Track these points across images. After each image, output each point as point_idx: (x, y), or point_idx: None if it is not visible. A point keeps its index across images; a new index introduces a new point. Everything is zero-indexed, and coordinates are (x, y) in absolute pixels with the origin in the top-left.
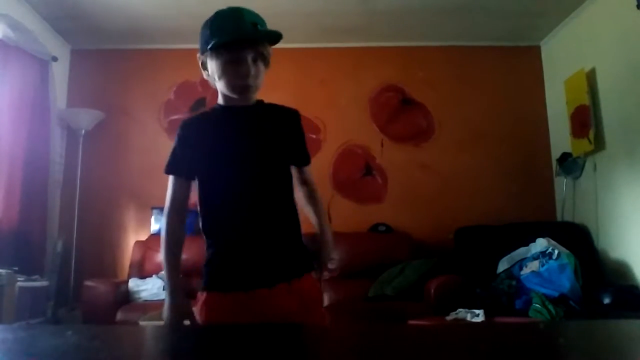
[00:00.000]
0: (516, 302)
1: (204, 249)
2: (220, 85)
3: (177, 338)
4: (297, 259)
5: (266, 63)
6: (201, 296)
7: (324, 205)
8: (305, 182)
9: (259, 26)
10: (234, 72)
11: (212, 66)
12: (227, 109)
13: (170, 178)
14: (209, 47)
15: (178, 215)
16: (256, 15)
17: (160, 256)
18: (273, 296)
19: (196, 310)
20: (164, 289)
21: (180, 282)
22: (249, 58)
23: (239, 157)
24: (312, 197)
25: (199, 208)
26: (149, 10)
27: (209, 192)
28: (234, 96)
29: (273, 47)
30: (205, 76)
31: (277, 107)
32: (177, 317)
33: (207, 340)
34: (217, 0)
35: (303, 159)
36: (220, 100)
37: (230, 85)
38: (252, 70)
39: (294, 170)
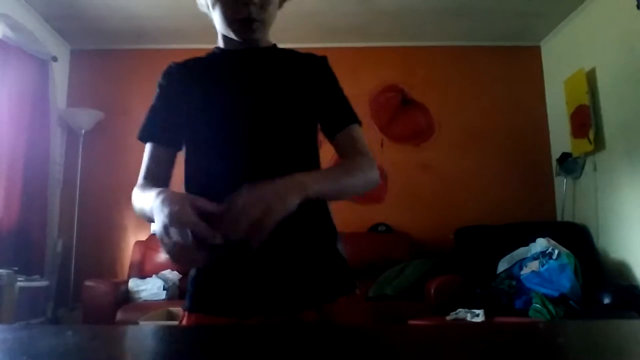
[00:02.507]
0: (516, 302)
1: None
2: (215, 19)
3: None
4: (330, 274)
5: None
6: (188, 318)
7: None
8: (346, 155)
9: None
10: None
11: None
12: (227, 53)
13: (147, 146)
14: None
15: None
16: None
17: (136, 208)
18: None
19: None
20: (164, 289)
21: None
22: None
23: (239, 118)
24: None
25: (184, 189)
26: (149, 10)
27: (195, 169)
28: (234, 36)
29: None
30: (198, 6)
31: (297, 53)
32: (178, 201)
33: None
34: None
35: (339, 120)
36: (219, 42)
37: (227, 18)
38: None
39: (331, 142)
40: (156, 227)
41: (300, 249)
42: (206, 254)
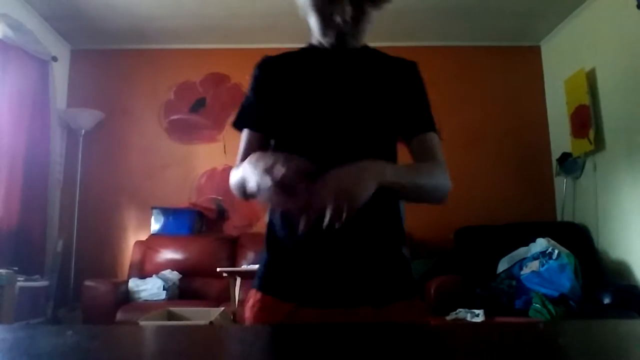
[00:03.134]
0: (516, 302)
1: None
2: (310, 24)
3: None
4: (394, 277)
5: (376, 2)
6: (255, 295)
7: None
8: (421, 159)
9: None
10: (323, 10)
11: None
12: (320, 52)
13: (243, 133)
14: None
15: None
16: None
17: (233, 183)
18: (350, 319)
19: (247, 309)
20: (164, 289)
21: None
22: None
23: (327, 114)
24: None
25: None
26: (149, 10)
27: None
28: (325, 43)
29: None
30: (299, 4)
31: (388, 57)
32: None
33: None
34: (217, 1)
35: (419, 125)
36: (313, 39)
37: (320, 28)
38: (350, 11)
39: (408, 146)
40: (255, 171)
41: (368, 248)
42: (293, 199)
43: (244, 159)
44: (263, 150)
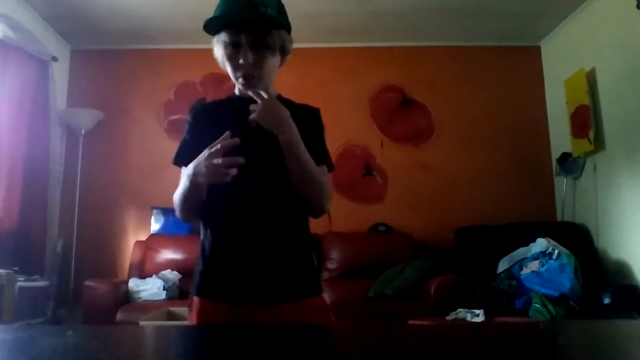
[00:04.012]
0: (516, 302)
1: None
2: (228, 72)
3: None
4: (306, 278)
5: (273, 51)
6: (195, 301)
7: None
8: None
9: (262, 8)
10: (232, 58)
11: (216, 50)
12: (240, 100)
13: (182, 169)
14: (203, 26)
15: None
16: None
17: (177, 201)
18: (277, 315)
19: (190, 315)
20: (164, 289)
21: None
22: (246, 43)
23: (245, 154)
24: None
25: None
26: (149, 11)
27: (212, 190)
28: (239, 87)
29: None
30: (217, 59)
31: (295, 105)
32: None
33: (208, 339)
34: (217, 1)
35: (315, 160)
36: (236, 89)
37: (232, 74)
38: (250, 58)
39: None
40: (197, 170)
41: (288, 256)
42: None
43: None
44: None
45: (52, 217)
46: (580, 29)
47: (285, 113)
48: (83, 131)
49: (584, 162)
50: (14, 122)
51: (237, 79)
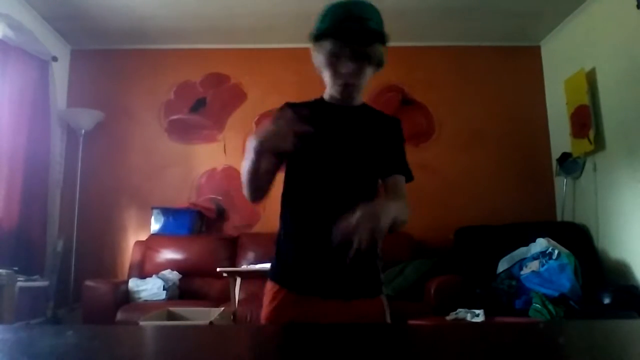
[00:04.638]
0: (516, 302)
1: (278, 229)
2: (324, 78)
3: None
4: (372, 279)
5: (372, 62)
6: (272, 287)
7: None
8: (390, 194)
9: (367, 21)
10: (333, 67)
11: (316, 57)
12: (330, 106)
13: (247, 145)
14: (309, 34)
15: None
16: (369, 10)
17: (244, 173)
18: (349, 309)
19: (265, 300)
20: (164, 289)
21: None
22: (348, 54)
23: (331, 156)
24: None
25: (282, 186)
26: (149, 11)
27: (293, 185)
28: (335, 94)
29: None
30: (315, 65)
31: (378, 113)
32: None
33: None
34: (216, 1)
35: (394, 168)
36: (325, 94)
37: (330, 80)
38: (351, 67)
39: (383, 182)
40: (263, 133)
41: (359, 257)
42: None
43: None
44: (274, 168)
45: (52, 217)
46: (581, 29)
47: (377, 209)
48: (83, 131)
49: (584, 162)
50: (14, 122)
51: (333, 85)
